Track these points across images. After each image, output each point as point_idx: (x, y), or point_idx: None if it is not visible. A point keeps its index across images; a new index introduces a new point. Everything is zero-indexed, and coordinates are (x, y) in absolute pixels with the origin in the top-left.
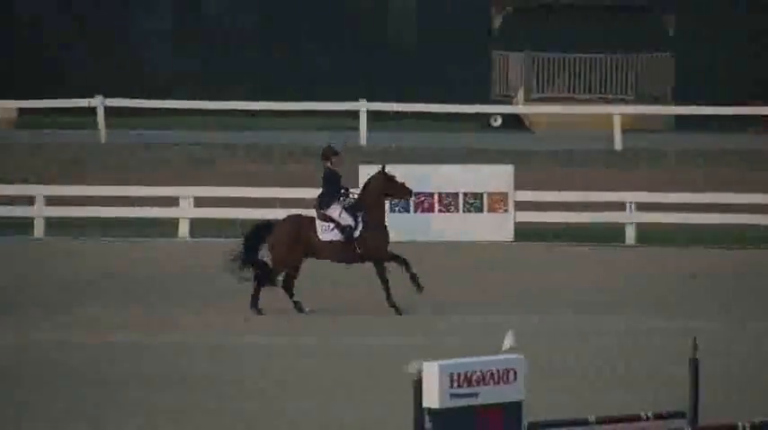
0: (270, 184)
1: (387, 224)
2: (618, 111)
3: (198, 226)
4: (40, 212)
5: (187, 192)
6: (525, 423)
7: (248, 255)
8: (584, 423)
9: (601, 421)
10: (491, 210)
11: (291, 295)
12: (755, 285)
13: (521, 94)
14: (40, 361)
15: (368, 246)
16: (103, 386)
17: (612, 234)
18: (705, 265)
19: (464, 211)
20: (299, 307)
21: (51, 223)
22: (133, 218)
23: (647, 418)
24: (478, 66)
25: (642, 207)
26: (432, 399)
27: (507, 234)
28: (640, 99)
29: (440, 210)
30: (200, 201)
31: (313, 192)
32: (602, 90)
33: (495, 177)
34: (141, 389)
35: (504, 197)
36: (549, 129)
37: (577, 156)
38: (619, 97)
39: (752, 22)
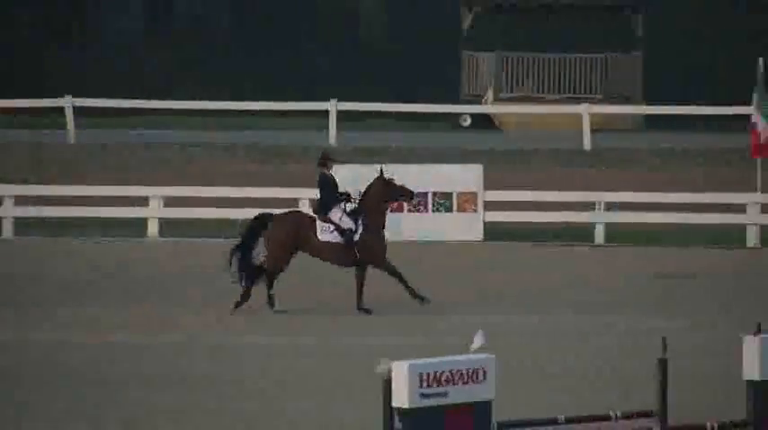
0: (243, 184)
1: (385, 229)
2: (587, 110)
3: (168, 226)
4: (7, 213)
5: (157, 192)
6: (494, 422)
7: (243, 254)
8: (554, 422)
9: (570, 421)
10: (460, 209)
11: (270, 287)
12: (725, 285)
13: (490, 94)
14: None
15: (366, 250)
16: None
17: (581, 233)
18: (676, 265)
19: (434, 211)
20: (271, 301)
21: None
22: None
23: (616, 418)
24: (449, 66)
25: (611, 206)
26: (401, 399)
27: (477, 234)
28: (610, 99)
29: (410, 210)
30: (168, 202)
31: (284, 192)
32: (572, 90)
33: (465, 177)
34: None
35: (473, 197)
36: (518, 129)
37: (547, 155)
38: (588, 97)
39: (721, 21)
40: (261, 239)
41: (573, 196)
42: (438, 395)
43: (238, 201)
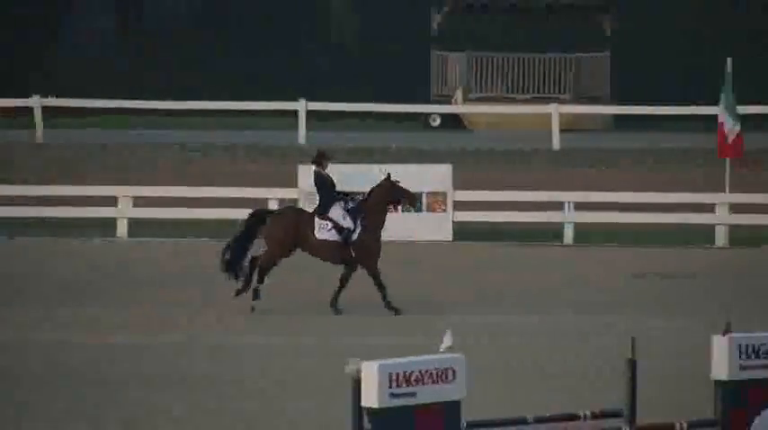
0: (212, 184)
1: (382, 231)
2: (556, 110)
3: (138, 226)
4: None
5: (127, 192)
6: (464, 422)
7: (238, 251)
8: (523, 422)
9: (539, 420)
10: (430, 209)
11: (261, 281)
12: (694, 285)
13: (460, 94)
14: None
15: (362, 250)
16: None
17: (550, 233)
18: (645, 265)
19: (403, 211)
20: (257, 295)
21: None
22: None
23: (585, 417)
24: (418, 66)
25: (580, 206)
26: (371, 399)
27: (446, 234)
28: (578, 99)
29: None
30: (138, 202)
31: (253, 192)
32: (541, 90)
33: (434, 177)
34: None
35: (442, 197)
36: (487, 129)
37: (516, 155)
38: (557, 97)
39: (689, 21)
40: (258, 238)
41: (542, 196)
42: (407, 395)
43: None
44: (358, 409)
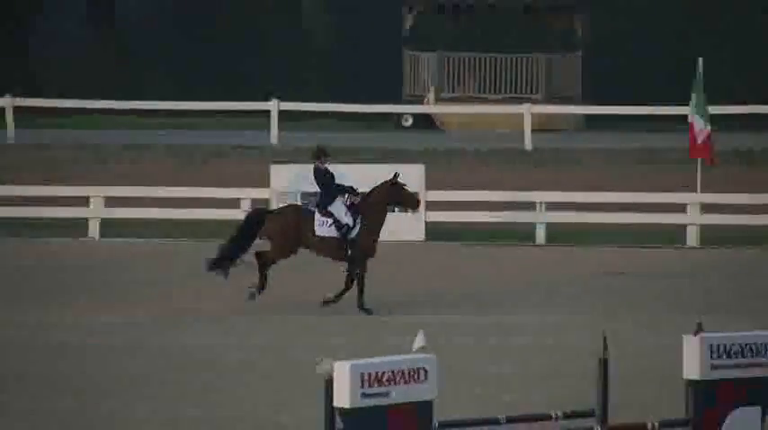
0: (184, 184)
1: (380, 231)
2: (528, 110)
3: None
4: None
5: (98, 192)
6: (436, 422)
7: (235, 251)
8: (495, 422)
9: (511, 420)
10: (402, 209)
11: (264, 279)
12: (666, 285)
13: (432, 94)
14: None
15: (359, 248)
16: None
17: (523, 233)
18: (617, 265)
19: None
20: (252, 293)
21: None
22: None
23: (557, 417)
24: (391, 66)
25: (552, 206)
26: (343, 399)
27: (418, 234)
28: (550, 99)
29: None
30: (109, 202)
31: (225, 192)
32: (513, 90)
33: (407, 177)
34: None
35: None
36: (459, 129)
37: (488, 155)
38: (529, 97)
39: (661, 21)
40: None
41: (514, 196)
42: (379, 395)
43: (183, 201)
44: (330, 409)
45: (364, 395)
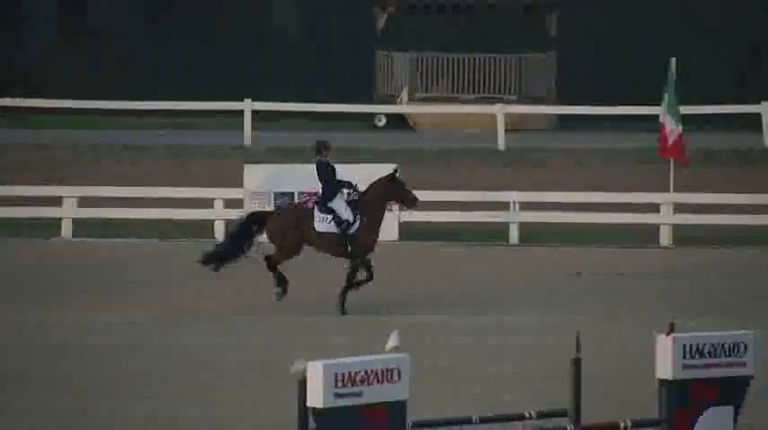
0: (157, 184)
1: (380, 227)
2: (501, 111)
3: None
4: None
5: (71, 192)
6: (409, 422)
7: (232, 251)
8: (468, 421)
9: (484, 420)
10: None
11: (275, 272)
12: (640, 284)
13: (405, 94)
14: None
15: (358, 245)
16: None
17: (496, 233)
18: (590, 264)
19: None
20: (278, 293)
21: None
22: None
23: (530, 417)
24: (363, 65)
25: (525, 206)
26: (316, 399)
27: (392, 234)
28: (524, 99)
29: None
30: (82, 202)
31: (197, 192)
32: (487, 90)
33: (380, 177)
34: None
35: None
36: (433, 129)
37: (461, 155)
38: (503, 97)
39: (634, 21)
40: (254, 239)
41: (487, 196)
42: (353, 395)
43: (162, 201)
44: (303, 409)
45: (337, 395)
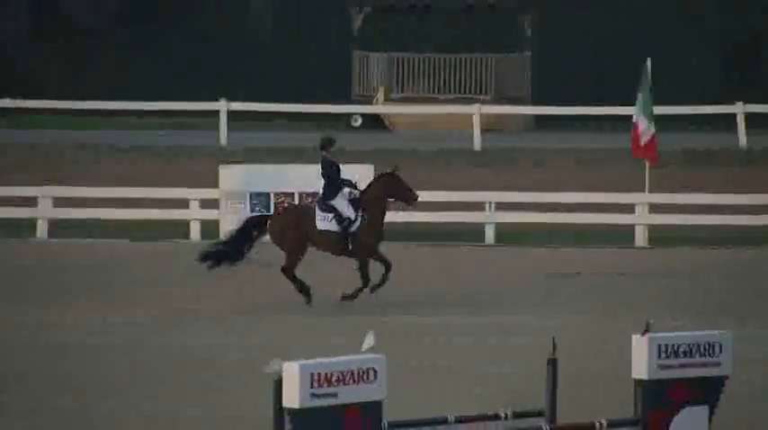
0: (133, 184)
1: (383, 224)
2: (477, 111)
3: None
4: None
5: (46, 192)
6: (385, 422)
7: (233, 255)
8: (444, 422)
9: (460, 420)
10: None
11: (294, 281)
12: (615, 284)
13: (381, 94)
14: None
15: (360, 243)
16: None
17: (472, 233)
18: (566, 265)
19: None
20: (306, 293)
21: None
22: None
23: (506, 417)
24: (340, 66)
25: (501, 207)
26: (292, 399)
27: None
28: (499, 99)
29: None
30: (58, 202)
31: (176, 193)
32: (463, 90)
33: (355, 177)
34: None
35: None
36: (409, 130)
37: (437, 155)
38: (479, 97)
39: (611, 21)
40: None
41: (463, 196)
42: (328, 395)
43: (137, 201)
44: (279, 410)
45: (313, 395)
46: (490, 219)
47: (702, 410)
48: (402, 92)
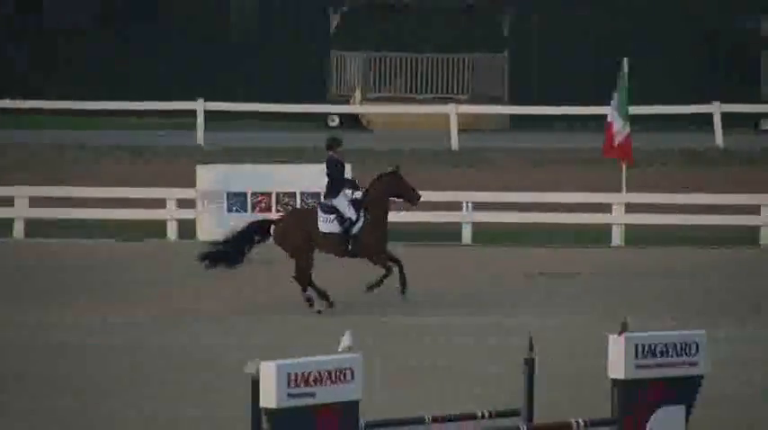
0: (111, 184)
1: (387, 223)
2: (454, 111)
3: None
4: None
5: (23, 192)
6: (362, 422)
7: (233, 256)
8: (421, 421)
9: (437, 420)
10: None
11: (305, 289)
12: (592, 284)
13: (358, 94)
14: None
15: (361, 243)
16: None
17: (449, 233)
18: (543, 265)
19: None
20: (311, 302)
21: None
22: None
23: (483, 416)
24: (317, 65)
25: (478, 206)
26: (269, 399)
27: None
28: (476, 99)
29: (277, 210)
30: (34, 202)
31: (154, 192)
32: (439, 90)
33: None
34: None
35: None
36: (386, 129)
37: (414, 155)
38: (456, 97)
39: (588, 21)
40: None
41: (440, 196)
42: (306, 395)
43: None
44: (257, 410)
45: (290, 395)
46: (467, 219)
47: (679, 410)
48: (379, 92)
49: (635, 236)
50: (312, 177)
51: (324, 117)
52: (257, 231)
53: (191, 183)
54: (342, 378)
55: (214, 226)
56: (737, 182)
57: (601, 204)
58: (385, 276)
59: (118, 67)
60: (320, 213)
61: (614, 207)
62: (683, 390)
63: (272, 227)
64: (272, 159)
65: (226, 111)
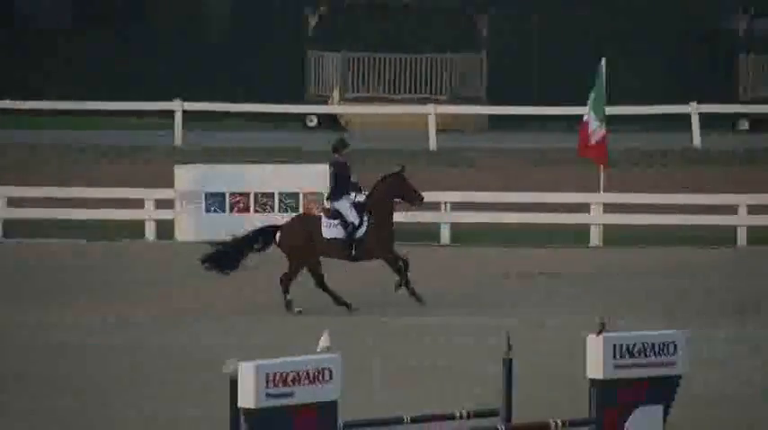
0: (88, 184)
1: (392, 224)
2: (432, 111)
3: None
4: None
5: (2, 192)
6: (341, 422)
7: (234, 257)
8: (399, 421)
9: (415, 420)
10: (306, 210)
11: (334, 294)
12: (570, 284)
13: (336, 94)
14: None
15: (366, 247)
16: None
17: (427, 233)
18: (522, 265)
19: (280, 211)
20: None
21: None
22: None
23: (462, 416)
24: (295, 65)
25: (457, 207)
26: (247, 399)
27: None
28: (455, 99)
29: (256, 211)
30: (11, 202)
31: (132, 193)
32: (418, 90)
33: (311, 177)
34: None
35: (320, 197)
36: (364, 129)
37: (392, 155)
38: (434, 97)
39: (566, 21)
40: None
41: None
42: (284, 395)
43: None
44: (235, 410)
45: (269, 395)
46: (446, 220)
47: (657, 409)
48: (357, 92)
49: (612, 236)
50: (290, 178)
51: (302, 117)
52: (262, 237)
53: (168, 183)
54: (320, 378)
55: (192, 226)
56: (716, 181)
57: (579, 204)
58: (405, 270)
59: (93, 66)
60: (324, 219)
61: (592, 207)
62: (661, 390)
63: (278, 234)
64: (245, 159)
65: (203, 111)
